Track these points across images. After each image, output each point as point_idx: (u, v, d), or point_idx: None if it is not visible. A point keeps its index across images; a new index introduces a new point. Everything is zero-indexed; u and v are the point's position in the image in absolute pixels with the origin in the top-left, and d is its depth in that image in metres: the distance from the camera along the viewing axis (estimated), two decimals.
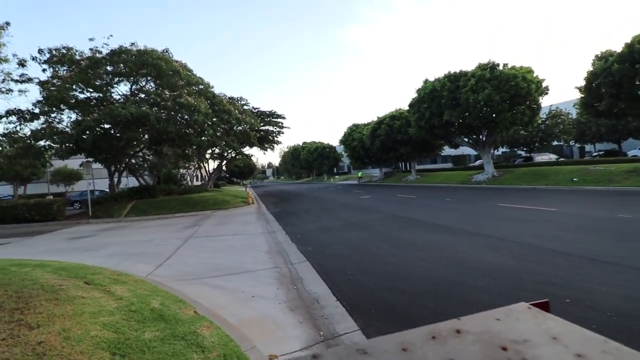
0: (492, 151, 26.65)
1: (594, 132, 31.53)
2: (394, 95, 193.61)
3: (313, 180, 68.94)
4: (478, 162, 39.08)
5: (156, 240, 9.52)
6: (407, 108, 29.93)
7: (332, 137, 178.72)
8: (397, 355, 0.64)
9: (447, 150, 41.84)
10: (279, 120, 30.79)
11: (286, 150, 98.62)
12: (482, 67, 22.39)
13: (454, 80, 23.35)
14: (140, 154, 24.64)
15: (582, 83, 16.95)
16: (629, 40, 14.39)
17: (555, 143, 37.13)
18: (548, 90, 22.44)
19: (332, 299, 4.49)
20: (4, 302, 2.86)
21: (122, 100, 18.06)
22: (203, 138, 18.53)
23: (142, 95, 18.16)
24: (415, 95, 26.87)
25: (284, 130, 31.55)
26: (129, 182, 32.53)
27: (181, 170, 41.43)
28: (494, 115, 21.96)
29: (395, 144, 34.41)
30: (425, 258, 5.97)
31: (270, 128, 30.79)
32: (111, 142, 17.34)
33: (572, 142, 36.36)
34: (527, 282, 4.39)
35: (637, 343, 2.73)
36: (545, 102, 23.56)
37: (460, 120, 23.56)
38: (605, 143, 33.83)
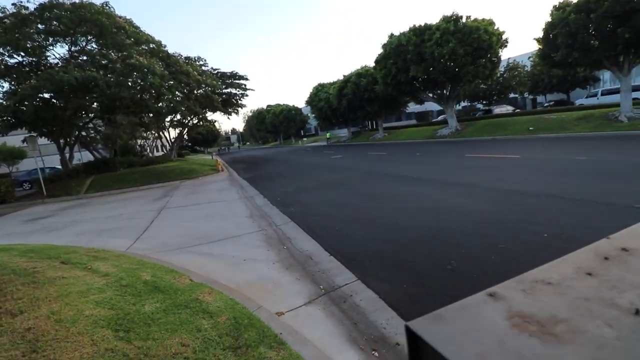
0: (455, 105, 27.35)
1: (546, 83, 33.21)
2: (360, 53, 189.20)
3: (280, 144, 67.81)
4: (441, 117, 40.18)
5: (126, 215, 8.99)
6: (373, 65, 29.44)
7: (298, 99, 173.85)
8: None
9: (411, 107, 42.46)
10: (242, 82, 29.11)
11: (250, 114, 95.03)
12: (446, 20, 22.16)
13: (420, 34, 23.03)
14: (91, 124, 22.49)
15: (540, 34, 17.38)
16: None
17: (511, 95, 38.86)
18: (507, 42, 22.88)
19: (325, 254, 4.54)
20: None
21: (60, 64, 15.93)
22: (161, 104, 17.12)
23: (85, 58, 16.12)
24: (381, 51, 26.32)
25: (247, 92, 29.98)
26: (82, 156, 29.96)
27: (139, 141, 38.72)
28: (457, 69, 22.22)
29: (363, 103, 34.20)
30: (407, 209, 6.15)
31: (233, 90, 29.10)
32: (56, 113, 15.54)
33: (526, 94, 38.23)
34: (507, 223, 4.68)
35: None
36: (504, 55, 24.14)
37: (426, 76, 23.66)
38: (556, 94, 35.96)
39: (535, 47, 19.32)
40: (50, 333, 2.04)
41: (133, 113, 19.89)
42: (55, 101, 16.06)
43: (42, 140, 17.40)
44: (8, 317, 2.21)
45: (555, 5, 16.45)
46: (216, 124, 52.33)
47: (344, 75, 36.21)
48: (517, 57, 37.79)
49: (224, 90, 27.59)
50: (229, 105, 29.09)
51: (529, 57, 35.83)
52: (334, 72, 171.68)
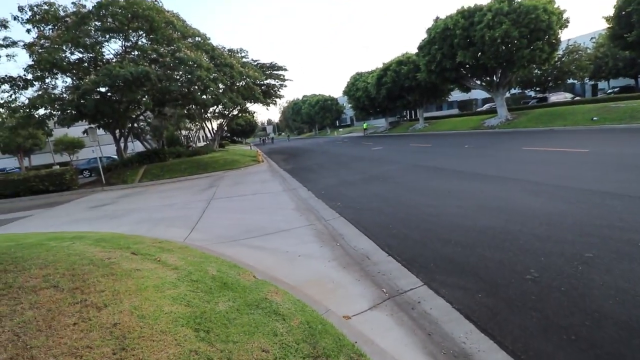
0: (505, 93, 25.46)
1: (611, 67, 29.77)
2: (400, 41, 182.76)
3: (315, 135, 67.88)
4: (486, 107, 37.78)
5: (179, 204, 9.40)
6: (414, 52, 28.16)
7: (334, 89, 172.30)
8: None
9: (453, 96, 40.28)
10: (281, 72, 29.27)
11: (286, 105, 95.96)
12: (499, 0, 20.47)
13: (468, 16, 21.54)
14: (142, 117, 23.86)
15: (611, 12, 15.50)
16: None
17: (568, 82, 35.42)
18: (568, 22, 20.69)
19: (382, 254, 4.36)
20: (60, 282, 2.68)
21: (114, 59, 16.93)
22: (206, 96, 17.67)
23: (137, 53, 16.98)
24: (425, 36, 25.07)
25: (286, 83, 30.14)
26: (134, 147, 32.07)
27: (183, 132, 40.63)
28: (510, 53, 20.55)
29: (402, 92, 33.05)
30: (465, 207, 5.76)
31: (272, 81, 29.37)
32: (112, 106, 16.61)
33: (586, 80, 34.64)
34: (588, 227, 4.19)
35: None
36: (563, 36, 21.88)
37: (474, 61, 22.18)
38: (621, 79, 32.20)
39: (600, 26, 17.37)
40: (136, 330, 2.07)
41: (181, 105, 20.77)
42: (111, 95, 17.16)
43: (99, 132, 18.75)
44: (95, 310, 2.28)
45: None
46: (254, 114, 53.27)
47: (383, 64, 35.12)
48: (578, 38, 34.23)
49: (264, 82, 27.91)
50: (268, 96, 29.44)
51: (591, 39, 32.39)
52: (373, 60, 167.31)
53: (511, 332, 2.56)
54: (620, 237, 3.82)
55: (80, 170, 24.10)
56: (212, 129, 36.16)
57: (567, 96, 30.40)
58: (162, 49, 16.46)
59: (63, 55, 15.66)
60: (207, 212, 7.88)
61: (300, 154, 23.62)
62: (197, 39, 18.59)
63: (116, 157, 21.17)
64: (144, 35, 17.34)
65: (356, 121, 67.38)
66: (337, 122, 70.15)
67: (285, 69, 29.42)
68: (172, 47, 16.44)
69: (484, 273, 3.47)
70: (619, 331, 2.41)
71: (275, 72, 29.16)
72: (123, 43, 17.56)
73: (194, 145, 36.70)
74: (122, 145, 20.05)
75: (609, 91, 31.56)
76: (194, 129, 42.15)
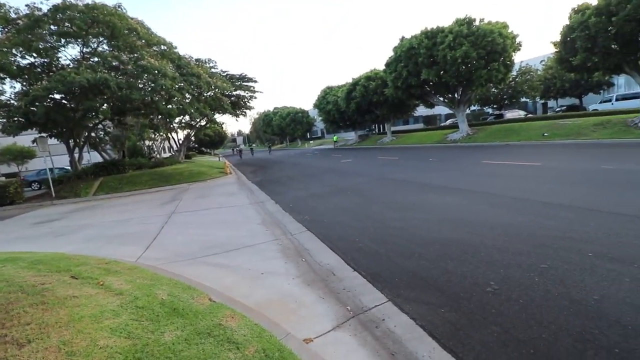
0: (465, 110, 26.93)
1: (558, 87, 32.58)
2: (369, 56, 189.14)
3: (286, 147, 67.73)
4: (449, 122, 39.73)
5: (136, 219, 8.80)
6: (382, 68, 29.17)
7: (305, 101, 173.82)
8: None
9: (419, 111, 42.02)
10: (250, 84, 29.02)
11: (257, 116, 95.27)
12: (459, 23, 21.84)
13: (431, 36, 22.73)
14: (101, 125, 22.53)
15: (558, 38, 16.98)
16: None
17: (521, 100, 38.21)
18: (521, 46, 22.49)
19: (348, 269, 4.26)
20: None
21: (72, 65, 15.92)
22: (171, 106, 17.03)
23: (96, 59, 16.10)
24: (391, 54, 26.08)
25: (256, 94, 29.90)
26: (91, 157, 30.10)
27: (147, 142, 38.85)
28: (469, 72, 21.86)
29: (371, 106, 33.96)
30: (430, 219, 5.85)
31: (242, 93, 29.02)
32: (66, 114, 15.52)
33: (537, 99, 37.56)
34: (543, 238, 4.36)
35: None
36: (517, 58, 23.68)
37: (437, 79, 23.33)
38: (568, 98, 35.27)
39: (549, 50, 18.96)
40: None
41: (143, 114, 19.85)
42: (66, 102, 16.04)
43: (52, 141, 17.40)
44: (15, 348, 1.97)
45: (574, 8, 16.06)
46: (224, 125, 52.34)
47: (352, 79, 36.00)
48: (529, 60, 37.21)
49: (233, 93, 27.52)
50: (238, 107, 29.02)
51: (541, 61, 35.31)
52: (343, 75, 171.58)
53: (473, 349, 2.53)
54: (572, 247, 4.00)
55: (29, 182, 22.15)
56: (179, 139, 34.90)
57: (520, 113, 32.77)
58: (124, 57, 15.74)
59: (12, 59, 14.49)
60: (166, 228, 7.42)
61: (270, 166, 23.32)
62: (162, 47, 18.00)
63: (70, 168, 19.70)
64: (105, 41, 16.53)
65: (327, 134, 68.15)
66: (308, 134, 70.51)
67: (255, 81, 29.25)
68: (135, 55, 15.78)
69: (447, 287, 3.46)
70: (574, 343, 2.45)
71: (245, 83, 28.88)
72: (81, 49, 16.61)
73: (157, 156, 35.15)
74: (76, 155, 18.70)
75: (557, 109, 34.40)
76: (159, 140, 40.50)
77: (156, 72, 14.69)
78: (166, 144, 44.06)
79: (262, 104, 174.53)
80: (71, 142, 18.39)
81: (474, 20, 21.94)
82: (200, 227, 7.34)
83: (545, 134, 18.81)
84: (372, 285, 3.74)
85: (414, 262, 4.18)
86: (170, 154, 38.21)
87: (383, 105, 32.87)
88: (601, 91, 32.31)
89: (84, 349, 1.99)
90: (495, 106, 36.89)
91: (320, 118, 46.91)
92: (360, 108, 34.65)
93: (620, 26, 13.68)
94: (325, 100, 41.77)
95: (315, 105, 45.02)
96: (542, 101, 38.83)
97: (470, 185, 8.39)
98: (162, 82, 14.54)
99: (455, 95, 25.35)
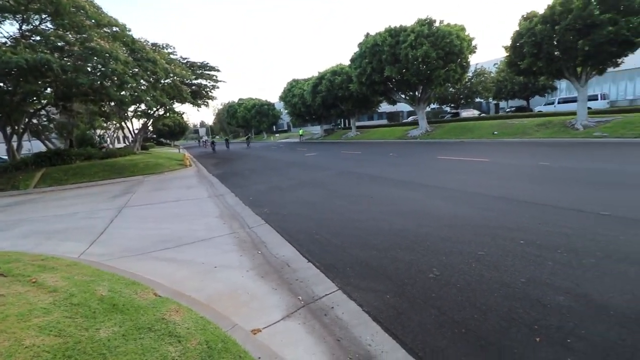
0: (425, 107, 28.07)
1: (509, 90, 34.96)
2: (336, 51, 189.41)
3: (252, 139, 66.39)
4: (411, 118, 41.16)
5: (82, 213, 8.21)
6: (347, 64, 29.44)
7: (271, 94, 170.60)
8: None
9: (383, 107, 43.11)
10: (213, 73, 27.95)
11: (221, 107, 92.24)
12: (420, 23, 22.58)
13: (395, 35, 23.30)
14: (44, 111, 20.57)
15: (509, 42, 18.16)
16: (551, 3, 15.57)
17: (477, 100, 40.57)
18: (476, 49, 23.77)
19: (303, 260, 4.32)
20: None
21: (9, 43, 14.32)
22: (124, 92, 15.94)
23: (38, 38, 14.61)
24: (357, 49, 26.39)
25: (218, 84, 28.90)
26: (32, 146, 27.45)
27: (98, 131, 36.13)
28: (429, 72, 22.75)
29: (337, 101, 34.21)
30: (386, 212, 6.08)
31: (204, 82, 27.89)
32: (2, 97, 13.98)
33: (490, 99, 40.09)
34: (483, 229, 4.72)
35: (592, 282, 3.08)
36: (472, 60, 25.03)
37: (399, 77, 24.03)
38: (517, 100, 38.00)
39: (501, 54, 20.23)
40: None
41: (92, 101, 18.40)
42: (2, 85, 14.43)
43: None
44: None
45: (524, 16, 17.25)
46: (184, 116, 49.91)
47: (318, 72, 35.99)
48: (484, 63, 39.48)
49: (193, 81, 26.36)
50: (199, 96, 27.87)
51: (495, 64, 37.54)
52: (309, 68, 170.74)
53: (412, 330, 2.70)
54: (507, 235, 4.37)
55: None
56: (134, 129, 32.87)
57: (475, 113, 34.77)
58: (70, 37, 14.42)
59: None
60: (115, 222, 7.01)
61: (234, 159, 22.77)
62: (114, 29, 16.71)
63: (7, 158, 17.84)
64: (48, 19, 15.00)
65: (293, 127, 67.73)
66: (273, 127, 69.58)
67: (218, 70, 28.22)
68: (83, 36, 14.52)
69: (394, 274, 3.64)
70: (501, 321, 2.70)
71: (207, 72, 27.74)
72: (20, 26, 14.95)
73: (109, 146, 32.89)
74: (14, 144, 16.97)
75: (507, 110, 36.95)
76: (112, 129, 37.86)
77: (107, 55, 13.63)
78: (120, 134, 41.30)
79: (226, 95, 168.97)
80: (8, 129, 16.63)
81: (434, 21, 22.80)
82: (153, 221, 7.02)
83: (495, 133, 20.17)
84: (325, 276, 3.83)
85: (366, 252, 4.33)
86: (124, 145, 35.88)
87: (348, 100, 33.26)
88: (546, 94, 35.15)
89: (7, 349, 1.86)
90: (452, 105, 38.78)
91: (286, 111, 46.48)
92: (326, 102, 34.79)
93: (562, 34, 14.94)
94: (292, 94, 41.42)
95: (281, 98, 44.49)
96: (495, 102, 41.44)
97: (425, 179, 8.81)
98: (113, 67, 13.55)
99: (416, 93, 26.29)
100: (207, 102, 28.89)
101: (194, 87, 27.12)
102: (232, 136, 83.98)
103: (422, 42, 21.57)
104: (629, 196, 5.67)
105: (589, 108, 18.11)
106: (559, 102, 27.24)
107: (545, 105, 29.29)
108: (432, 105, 42.56)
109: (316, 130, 51.97)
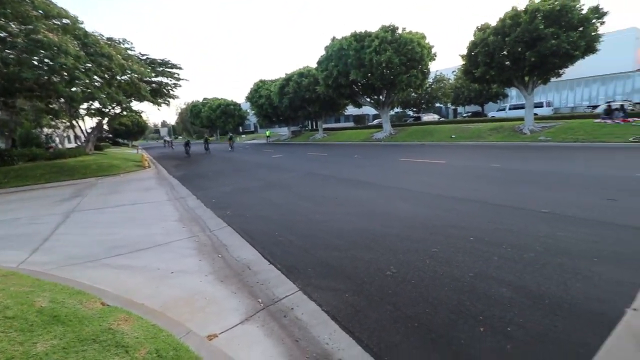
0: (389, 111, 28.98)
1: (466, 96, 37.10)
2: (303, 52, 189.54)
3: (217, 140, 64.55)
4: (376, 122, 42.25)
5: (24, 219, 7.52)
6: (314, 66, 29.63)
7: (238, 94, 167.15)
8: None
9: (350, 110, 43.90)
10: (175, 71, 26.83)
11: (184, 107, 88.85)
12: (384, 29, 23.29)
13: (360, 39, 23.83)
14: None
15: (465, 52, 19.26)
16: (502, 16, 16.78)
17: (437, 105, 42.63)
18: (436, 56, 24.96)
19: (264, 262, 4.29)
20: None
21: None
22: (75, 89, 14.84)
23: None
24: (323, 52, 26.65)
25: (180, 82, 27.80)
26: None
27: (45, 130, 33.29)
28: (392, 77, 23.53)
29: (304, 102, 34.28)
30: (348, 213, 6.19)
31: (165, 80, 26.71)
32: None
33: (449, 105, 42.30)
34: (438, 227, 4.96)
35: (531, 275, 3.36)
36: (432, 67, 26.25)
37: (364, 81, 24.61)
38: (473, 106, 40.41)
39: (458, 62, 21.42)
40: None
41: (38, 97, 16.95)
42: None
43: None
44: None
45: (478, 27, 18.39)
46: (144, 115, 47.28)
47: (286, 74, 35.87)
48: (443, 70, 41.57)
49: (153, 79, 25.15)
50: (160, 95, 26.64)
51: (453, 72, 39.65)
52: (276, 69, 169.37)
53: (368, 327, 2.78)
54: (459, 234, 4.64)
55: None
56: (87, 128, 30.64)
57: (435, 117, 36.44)
58: (13, 27, 13.18)
59: None
60: (62, 228, 6.51)
61: (197, 160, 22.01)
62: (64, 20, 15.52)
63: None
64: None
65: (260, 128, 66.82)
66: (240, 128, 68.19)
67: (180, 68, 27.12)
68: (29, 27, 13.33)
69: (354, 273, 3.73)
70: (450, 314, 2.86)
71: (168, 69, 26.57)
72: None
73: (58, 146, 30.44)
74: None
75: (464, 115, 39.16)
76: (62, 128, 35.08)
77: (55, 48, 12.63)
78: (71, 133, 38.33)
79: (190, 94, 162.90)
80: None
81: (397, 28, 23.62)
82: (105, 226, 6.60)
83: (453, 136, 21.28)
84: (286, 277, 3.83)
85: (328, 252, 4.39)
86: (76, 145, 33.37)
87: (315, 102, 33.46)
88: (498, 101, 37.70)
89: None
90: (414, 109, 40.37)
91: (253, 112, 45.75)
92: (293, 104, 34.75)
93: (511, 46, 16.12)
94: (258, 94, 40.89)
95: (248, 99, 43.73)
96: (453, 107, 43.76)
97: (388, 181, 9.09)
98: (62, 61, 12.57)
99: (381, 97, 27.06)
100: (169, 101, 27.66)
101: (154, 85, 25.90)
102: (196, 137, 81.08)
103: (385, 48, 22.25)
104: (568, 195, 6.24)
105: (535, 114, 19.69)
106: (509, 109, 29.31)
107: (498, 111, 31.40)
108: (396, 109, 44.07)
109: (284, 131, 51.69)
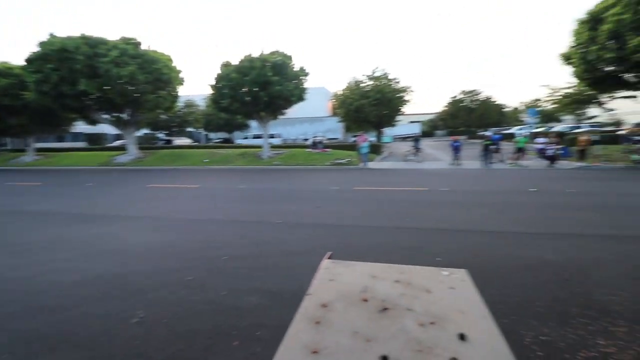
0: (136, 132, 25.89)
1: (216, 123, 39.62)
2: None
3: None
4: (118, 143, 36.51)
5: None
6: (22, 65, 21.64)
7: None
8: None
9: (81, 127, 35.41)
10: None
11: None
12: (125, 41, 20.79)
13: (93, 45, 19.90)
14: None
15: (213, 82, 20.55)
16: (242, 57, 19.36)
17: (189, 129, 42.74)
18: (184, 81, 25.06)
19: None
20: None
21: None
22: None
23: None
24: (38, 49, 20.03)
25: None
26: None
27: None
28: (138, 94, 21.29)
29: (4, 112, 24.03)
30: (71, 259, 4.83)
31: None
32: None
33: (201, 130, 43.53)
34: (192, 252, 4.86)
35: (272, 278, 3.89)
36: (182, 92, 26.21)
37: (101, 94, 20.71)
38: (224, 132, 43.73)
39: (208, 91, 22.54)
40: None
41: None
42: None
43: None
44: None
45: (223, 63, 20.19)
46: None
47: None
48: (195, 96, 42.37)
49: None
50: None
51: (203, 99, 41.33)
52: None
53: None
54: (213, 254, 4.75)
55: None
56: None
57: (188, 141, 36.31)
58: None
59: None
60: None
61: None
62: None
63: None
64: None
65: None
66: None
67: None
68: None
69: (86, 338, 2.91)
70: (206, 340, 2.81)
71: None
72: None
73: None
74: None
75: (216, 140, 41.48)
76: None
77: None
78: None
79: None
80: None
81: (140, 43, 21.77)
82: None
83: (206, 160, 21.97)
84: None
85: (41, 318, 3.21)
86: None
87: (22, 113, 24.29)
88: (244, 130, 42.82)
89: None
90: (166, 132, 38.40)
91: None
92: None
93: (250, 85, 18.85)
94: None
95: None
96: (205, 132, 45.40)
97: (129, 211, 7.99)
98: None
99: (124, 115, 23.67)
100: None
101: None
102: None
103: (127, 62, 19.84)
104: (293, 207, 7.91)
105: (270, 143, 23.89)
106: (253, 137, 33.99)
107: (243, 138, 35.63)
108: (145, 131, 40.08)
109: None
